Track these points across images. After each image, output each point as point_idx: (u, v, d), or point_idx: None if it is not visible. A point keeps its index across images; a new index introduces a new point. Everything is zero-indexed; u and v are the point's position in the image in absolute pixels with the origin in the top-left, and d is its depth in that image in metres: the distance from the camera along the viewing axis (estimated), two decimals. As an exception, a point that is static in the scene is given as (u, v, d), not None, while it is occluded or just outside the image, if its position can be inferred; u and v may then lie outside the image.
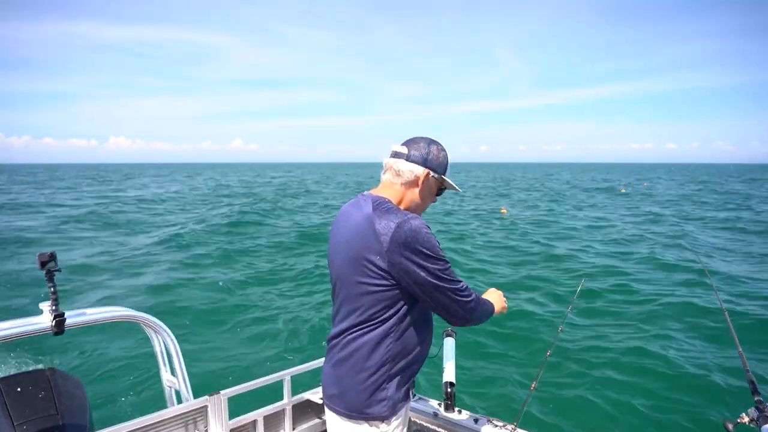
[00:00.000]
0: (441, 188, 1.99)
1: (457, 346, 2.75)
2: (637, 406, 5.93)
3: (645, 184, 47.92)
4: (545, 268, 13.74)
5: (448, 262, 1.78)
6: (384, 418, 1.84)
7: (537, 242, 17.20)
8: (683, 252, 16.01)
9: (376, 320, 1.78)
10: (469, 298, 1.85)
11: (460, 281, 1.82)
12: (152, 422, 2.17)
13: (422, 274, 1.71)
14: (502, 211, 26.38)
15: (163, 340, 2.70)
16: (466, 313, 1.86)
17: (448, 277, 1.77)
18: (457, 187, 2.01)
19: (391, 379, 1.84)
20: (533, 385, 2.44)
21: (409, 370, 1.90)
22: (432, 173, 1.91)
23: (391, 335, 1.79)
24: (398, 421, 1.89)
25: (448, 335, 2.78)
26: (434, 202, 2.03)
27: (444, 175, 1.95)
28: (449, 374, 2.62)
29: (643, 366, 7.02)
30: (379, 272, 1.73)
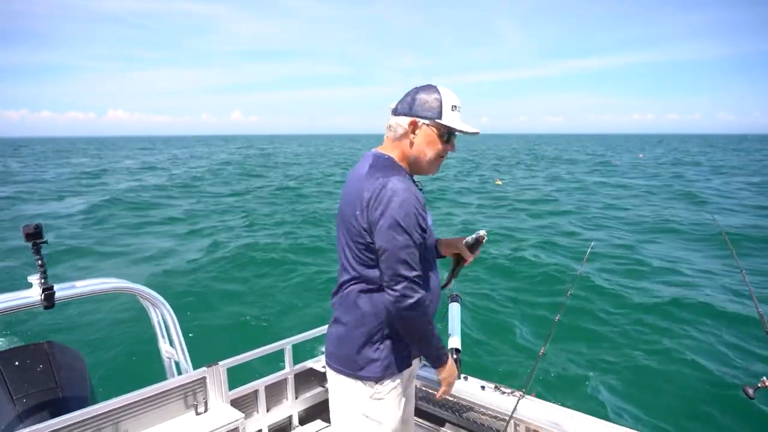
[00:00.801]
0: (448, 134, 1.81)
1: (463, 312, 2.67)
2: (651, 370, 5.88)
3: (640, 155, 48.03)
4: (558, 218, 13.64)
5: (413, 242, 1.67)
6: (377, 380, 1.80)
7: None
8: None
9: (367, 277, 1.75)
10: (412, 296, 1.66)
11: (415, 271, 1.67)
12: (151, 394, 2.12)
13: (383, 239, 1.65)
14: (497, 182, 26.68)
15: (160, 312, 2.64)
16: (401, 307, 1.66)
17: (404, 258, 1.65)
18: (468, 129, 1.80)
19: (384, 339, 1.80)
20: (542, 351, 2.35)
21: (390, 340, 1.81)
22: (421, 120, 1.78)
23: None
24: (394, 385, 1.82)
25: (453, 300, 2.70)
26: (450, 150, 1.84)
27: (440, 119, 1.77)
28: (455, 340, 2.54)
29: (656, 331, 6.96)
30: (360, 228, 1.72)
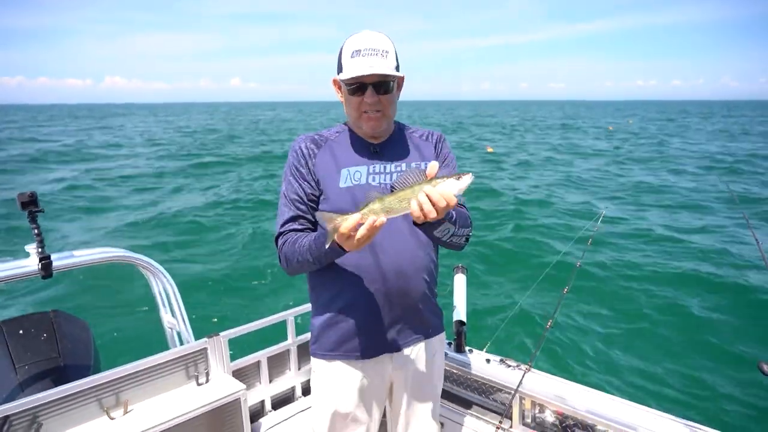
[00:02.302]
0: (353, 86, 1.62)
1: (469, 284, 2.61)
2: (661, 345, 5.81)
3: (611, 128, 47.89)
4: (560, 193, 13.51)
5: (284, 194, 1.72)
6: (312, 353, 1.81)
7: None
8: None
9: None
10: (278, 230, 1.70)
11: (282, 214, 1.70)
12: (151, 365, 2.10)
13: None
14: (489, 149, 27.01)
15: (161, 282, 2.61)
16: (276, 245, 1.71)
17: (280, 200, 1.74)
18: (359, 71, 1.56)
19: (317, 311, 1.79)
20: (549, 324, 2.30)
21: (338, 318, 1.73)
22: (338, 77, 1.68)
23: None
24: (325, 366, 1.77)
25: (459, 272, 2.64)
26: (369, 102, 1.62)
27: (341, 70, 1.63)
28: (460, 313, 2.50)
29: (667, 304, 6.88)
30: None
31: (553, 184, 16.88)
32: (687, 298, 7.06)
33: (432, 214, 1.35)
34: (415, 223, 1.48)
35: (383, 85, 1.62)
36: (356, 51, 1.59)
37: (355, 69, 1.58)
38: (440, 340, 1.94)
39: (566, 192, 15.52)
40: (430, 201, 1.33)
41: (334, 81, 1.72)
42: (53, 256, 2.20)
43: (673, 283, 7.59)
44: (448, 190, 1.34)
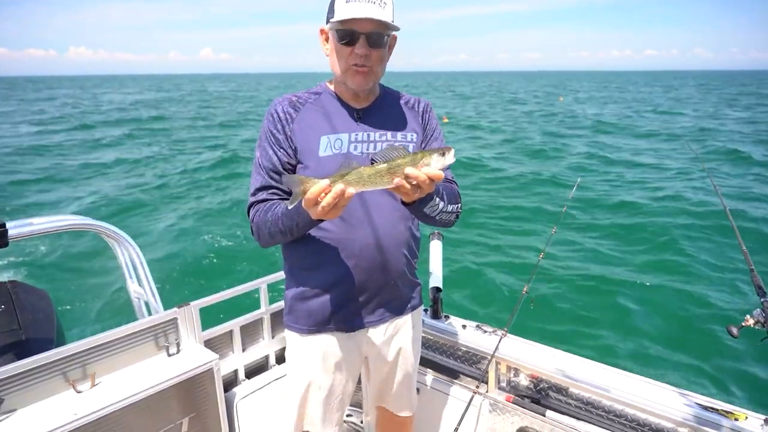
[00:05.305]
0: (345, 32, 1.51)
1: (445, 249, 2.59)
2: (633, 313, 5.98)
3: (561, 99, 48.75)
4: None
5: (258, 161, 1.63)
6: (286, 325, 1.79)
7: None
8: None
9: None
10: (250, 200, 1.64)
11: (255, 180, 1.64)
12: (119, 336, 2.02)
13: None
14: (444, 119, 27.89)
15: (126, 251, 2.51)
16: (248, 215, 1.65)
17: (253, 168, 1.66)
18: (355, 12, 1.45)
19: (291, 283, 1.75)
20: (525, 289, 2.30)
21: (313, 291, 1.68)
22: (326, 27, 1.58)
23: None
24: (297, 339, 1.74)
25: (435, 238, 2.61)
26: (359, 54, 1.51)
27: (333, 14, 1.50)
28: (436, 279, 2.48)
29: (638, 273, 7.05)
30: None
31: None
32: (664, 262, 7.25)
33: (417, 193, 1.29)
34: (404, 203, 1.42)
35: (377, 38, 1.51)
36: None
37: (350, 11, 1.46)
38: (418, 314, 1.91)
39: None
40: (416, 180, 1.26)
41: (321, 30, 1.61)
42: (9, 224, 2.08)
43: (649, 248, 7.79)
44: (433, 166, 1.28)
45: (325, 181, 1.28)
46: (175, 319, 2.16)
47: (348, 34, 1.50)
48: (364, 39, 1.50)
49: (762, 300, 1.79)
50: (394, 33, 1.58)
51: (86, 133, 23.66)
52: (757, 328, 1.72)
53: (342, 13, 1.47)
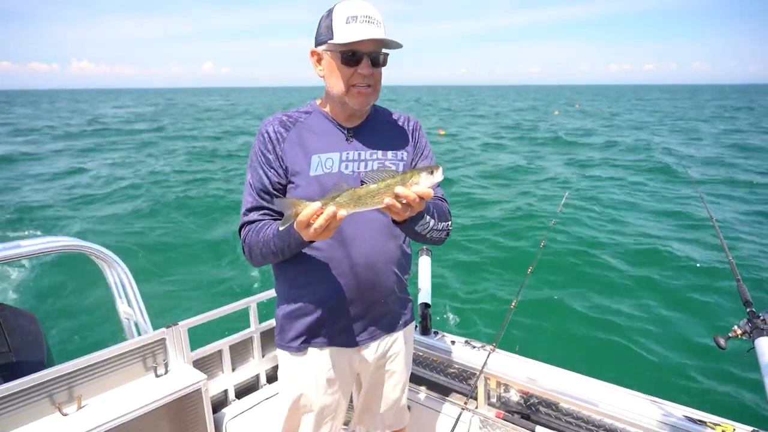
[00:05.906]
0: (351, 54, 1.52)
1: (434, 265, 2.60)
2: (621, 325, 5.97)
3: (556, 113, 48.91)
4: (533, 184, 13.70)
5: (250, 182, 1.63)
6: (277, 345, 1.77)
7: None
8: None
9: None
10: (241, 220, 1.64)
11: (246, 200, 1.63)
12: (105, 357, 2.01)
13: None
14: (440, 132, 27.74)
15: (116, 272, 2.50)
16: (240, 235, 1.65)
17: (245, 189, 1.66)
18: (359, 35, 1.46)
19: (282, 302, 1.73)
20: (513, 304, 2.30)
21: (304, 309, 1.67)
22: (321, 48, 1.58)
23: None
24: (288, 359, 1.73)
25: (423, 254, 2.62)
26: (364, 73, 1.53)
27: (332, 38, 1.50)
28: (425, 295, 2.48)
29: (627, 283, 7.07)
30: None
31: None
32: (649, 273, 7.27)
33: (408, 212, 1.31)
34: (394, 221, 1.43)
35: (379, 57, 1.54)
36: (352, 17, 1.49)
37: (354, 34, 1.47)
38: (410, 330, 1.91)
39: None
40: (406, 198, 1.27)
41: (313, 52, 1.60)
42: None
43: (636, 261, 7.81)
44: (422, 184, 1.30)
45: (317, 204, 1.29)
46: (163, 339, 2.15)
47: (351, 55, 1.51)
48: (367, 59, 1.52)
49: (748, 310, 1.81)
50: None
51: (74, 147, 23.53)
52: (744, 338, 1.74)
53: (345, 35, 1.48)
